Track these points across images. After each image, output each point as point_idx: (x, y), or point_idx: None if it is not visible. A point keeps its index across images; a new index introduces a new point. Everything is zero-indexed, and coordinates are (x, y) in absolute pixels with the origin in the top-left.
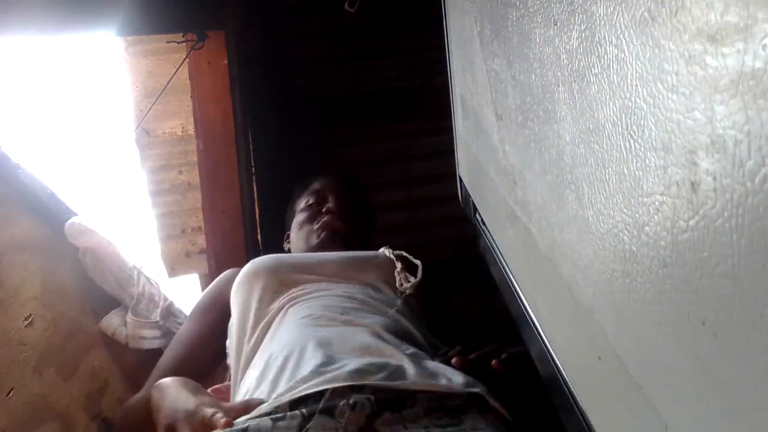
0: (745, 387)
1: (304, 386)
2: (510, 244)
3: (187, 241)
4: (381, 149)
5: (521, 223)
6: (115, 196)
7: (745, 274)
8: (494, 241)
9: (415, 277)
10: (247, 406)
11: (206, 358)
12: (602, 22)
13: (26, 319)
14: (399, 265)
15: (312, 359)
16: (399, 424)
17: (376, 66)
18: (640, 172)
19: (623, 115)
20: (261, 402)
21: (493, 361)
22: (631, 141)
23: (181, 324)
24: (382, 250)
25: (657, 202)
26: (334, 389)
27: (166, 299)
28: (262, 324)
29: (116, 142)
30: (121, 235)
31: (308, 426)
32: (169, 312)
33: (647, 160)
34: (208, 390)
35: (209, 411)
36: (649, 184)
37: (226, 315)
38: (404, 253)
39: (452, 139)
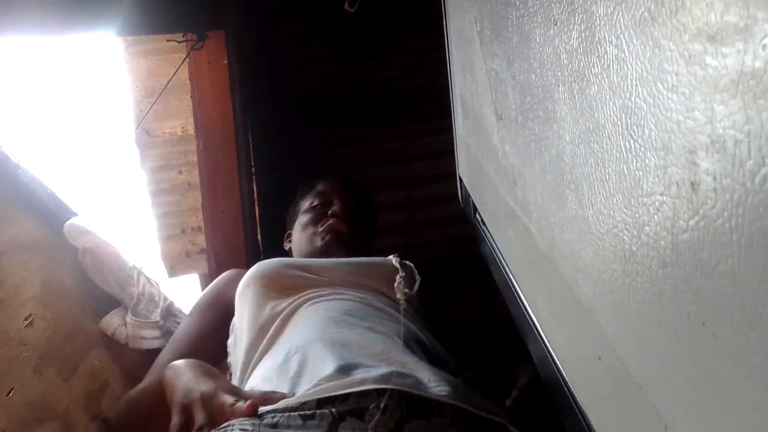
0: (745, 387)
1: (332, 384)
2: (510, 244)
3: (187, 241)
4: (381, 149)
5: (521, 223)
6: (115, 196)
7: (745, 274)
8: (494, 241)
9: (415, 285)
10: (268, 398)
11: (206, 355)
12: (602, 22)
13: (26, 319)
14: (399, 277)
15: (334, 359)
16: (427, 431)
17: (376, 66)
18: (640, 172)
19: (623, 115)
20: (283, 395)
21: (507, 402)
22: (631, 141)
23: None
24: (390, 258)
25: (657, 202)
26: (361, 392)
27: (166, 299)
28: (276, 322)
29: (116, 142)
30: (121, 235)
31: (339, 426)
32: (169, 312)
33: (647, 160)
34: None
35: (230, 398)
36: (649, 184)
37: (226, 314)
38: (410, 264)
39: (452, 139)
